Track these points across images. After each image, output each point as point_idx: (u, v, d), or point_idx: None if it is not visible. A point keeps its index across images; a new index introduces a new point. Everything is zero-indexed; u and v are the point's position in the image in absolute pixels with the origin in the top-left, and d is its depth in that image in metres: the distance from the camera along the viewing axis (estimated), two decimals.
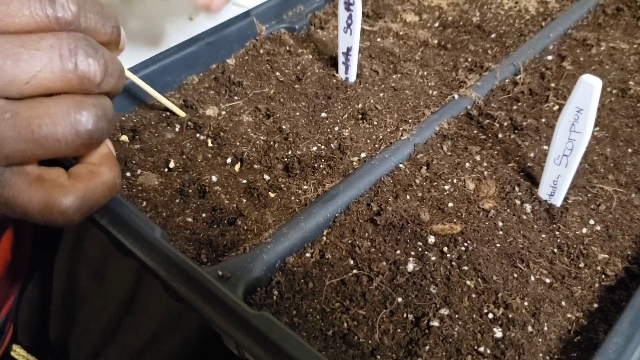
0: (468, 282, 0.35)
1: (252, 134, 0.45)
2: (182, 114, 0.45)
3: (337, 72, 0.51)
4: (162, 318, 0.66)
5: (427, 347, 0.31)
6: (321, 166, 0.42)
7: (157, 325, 0.65)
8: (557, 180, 0.39)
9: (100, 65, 0.28)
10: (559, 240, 0.38)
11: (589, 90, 0.34)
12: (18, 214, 0.29)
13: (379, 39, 0.57)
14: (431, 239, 0.37)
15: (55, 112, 0.27)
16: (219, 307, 0.31)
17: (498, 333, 0.32)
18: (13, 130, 0.26)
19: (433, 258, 0.36)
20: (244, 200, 0.40)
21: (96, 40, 0.29)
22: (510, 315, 0.33)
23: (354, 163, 0.42)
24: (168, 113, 0.47)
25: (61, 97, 0.27)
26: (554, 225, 0.38)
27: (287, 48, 0.54)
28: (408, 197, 0.40)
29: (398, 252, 0.36)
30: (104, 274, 0.69)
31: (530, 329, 0.33)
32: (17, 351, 0.62)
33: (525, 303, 0.34)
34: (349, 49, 0.48)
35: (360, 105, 0.47)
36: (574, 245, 0.37)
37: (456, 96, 0.47)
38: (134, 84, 0.45)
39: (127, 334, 0.66)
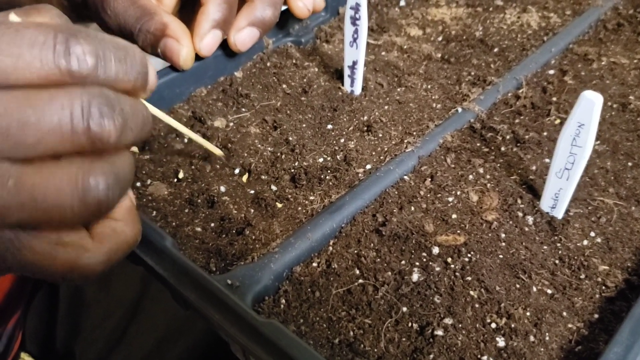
0: (471, 292, 0.35)
1: (259, 145, 0.46)
2: (219, 152, 0.44)
3: (342, 85, 0.52)
4: (166, 326, 0.66)
5: (431, 356, 0.32)
6: (327, 177, 0.43)
7: (162, 333, 0.66)
8: (558, 193, 0.39)
9: (117, 123, 0.25)
10: (560, 252, 0.38)
11: (590, 106, 0.34)
12: (36, 275, 0.28)
13: (383, 53, 0.58)
14: (435, 250, 0.38)
15: (61, 179, 0.25)
16: (229, 315, 0.32)
17: (501, 342, 0.33)
18: (16, 198, 0.24)
19: (437, 268, 0.36)
20: (252, 211, 0.41)
21: (119, 89, 0.26)
22: (512, 325, 0.34)
23: (360, 174, 0.43)
24: None
25: (69, 161, 0.25)
26: (556, 237, 0.39)
27: (294, 61, 0.56)
28: (412, 208, 0.41)
29: (403, 262, 0.37)
30: (109, 282, 0.70)
31: (532, 338, 0.33)
32: (25, 359, 0.62)
33: (528, 313, 0.35)
34: (354, 63, 0.49)
35: (365, 118, 0.48)
36: (575, 257, 0.38)
37: (459, 109, 0.48)
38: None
39: (132, 341, 0.67)
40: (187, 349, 0.65)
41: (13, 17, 0.27)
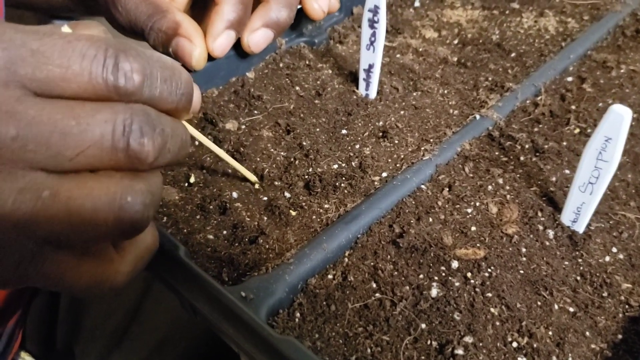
0: (492, 310, 0.34)
1: (272, 150, 0.45)
2: (254, 178, 0.42)
3: (357, 88, 0.51)
4: (168, 327, 0.66)
5: None
6: (342, 185, 0.42)
7: (163, 335, 0.65)
8: (580, 207, 0.38)
9: (156, 144, 0.25)
10: (582, 268, 0.37)
11: (619, 120, 0.33)
12: (58, 288, 0.27)
13: (398, 55, 0.56)
14: (454, 264, 0.37)
15: (98, 196, 0.24)
16: (243, 330, 0.31)
17: None
18: (50, 210, 0.23)
19: (457, 284, 0.35)
20: (265, 218, 0.40)
21: (161, 109, 0.26)
22: (534, 345, 0.33)
23: (376, 183, 0.42)
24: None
25: (107, 176, 0.25)
26: (577, 253, 0.38)
27: (307, 62, 0.54)
28: (430, 219, 0.39)
29: (421, 276, 0.36)
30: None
31: (554, 359, 0.32)
32: (25, 358, 0.62)
33: (550, 332, 0.34)
34: (370, 66, 0.48)
35: (381, 123, 0.47)
36: (597, 274, 0.37)
37: (477, 116, 0.47)
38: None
39: (132, 342, 0.66)
40: (189, 350, 0.65)
41: (65, 28, 0.27)
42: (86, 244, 0.27)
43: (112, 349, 0.66)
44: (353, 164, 0.44)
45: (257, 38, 0.48)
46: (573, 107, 0.50)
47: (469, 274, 0.36)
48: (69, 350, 0.68)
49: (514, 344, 0.33)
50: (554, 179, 0.43)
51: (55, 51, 0.23)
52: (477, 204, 0.41)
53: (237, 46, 0.50)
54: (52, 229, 0.24)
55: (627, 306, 0.36)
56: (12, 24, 0.25)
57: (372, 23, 0.45)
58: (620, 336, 0.34)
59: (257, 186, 0.42)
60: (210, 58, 0.48)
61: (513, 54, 0.57)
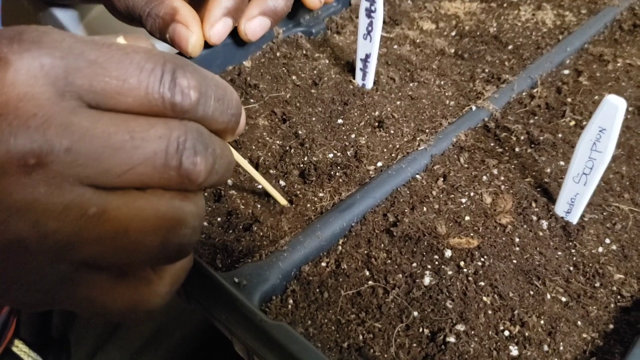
0: (484, 298, 0.34)
1: (268, 138, 0.45)
2: (285, 202, 0.40)
3: (354, 78, 0.51)
4: (163, 317, 0.66)
5: None
6: (337, 174, 0.42)
7: (158, 324, 0.65)
8: (574, 198, 0.38)
9: (208, 164, 0.24)
10: (574, 258, 0.37)
11: (613, 111, 0.33)
12: (91, 312, 0.25)
13: (395, 46, 0.56)
14: (448, 253, 0.37)
15: (147, 218, 0.23)
16: (236, 315, 0.31)
17: (514, 351, 0.32)
18: (94, 230, 0.22)
19: (450, 272, 0.36)
20: (259, 206, 0.40)
21: (212, 128, 0.25)
22: (526, 334, 0.33)
23: (370, 172, 0.42)
24: None
25: (157, 196, 0.23)
26: (570, 243, 0.38)
27: (304, 52, 0.54)
28: (425, 209, 0.40)
29: (414, 264, 0.36)
30: None
31: (546, 348, 0.33)
32: (19, 346, 0.61)
33: (542, 321, 0.34)
34: (367, 56, 0.48)
35: (377, 113, 0.47)
36: (590, 264, 0.37)
37: (474, 107, 0.47)
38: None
39: (127, 331, 0.66)
40: (185, 338, 0.65)
41: (121, 39, 0.27)
42: (126, 267, 0.25)
43: (107, 338, 0.66)
44: (348, 153, 0.44)
45: (254, 26, 0.48)
46: (569, 99, 0.50)
47: (462, 263, 0.36)
48: (64, 339, 0.68)
49: (506, 333, 0.33)
50: (548, 170, 0.43)
51: (113, 63, 0.23)
52: (472, 194, 0.41)
53: (234, 34, 0.50)
54: (94, 250, 0.22)
55: (619, 296, 0.36)
56: (70, 32, 0.24)
57: (370, 12, 0.45)
58: (611, 326, 0.34)
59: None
60: (207, 45, 0.47)
61: (510, 47, 0.57)
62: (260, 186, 0.40)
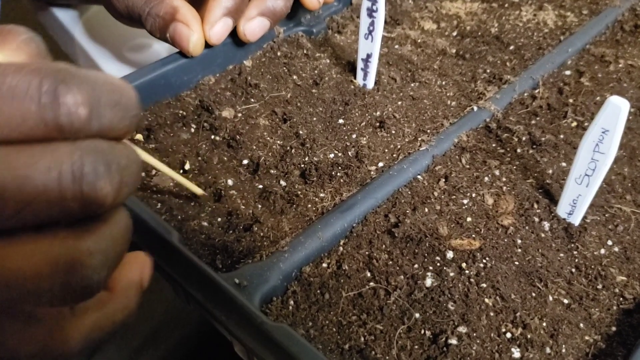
0: (486, 300, 0.34)
1: (268, 138, 0.45)
2: (201, 192, 0.39)
3: (355, 78, 0.51)
4: (162, 317, 0.65)
5: None
6: (338, 174, 0.41)
7: (157, 324, 0.65)
8: (577, 200, 0.38)
9: (114, 183, 0.21)
10: (577, 260, 0.37)
11: (616, 112, 0.33)
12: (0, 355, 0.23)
13: (396, 46, 0.56)
14: (449, 254, 0.36)
15: (39, 261, 0.21)
16: (236, 316, 0.31)
17: (516, 353, 0.32)
18: None
19: (451, 274, 0.35)
20: (260, 206, 0.40)
21: (111, 137, 0.22)
22: (528, 336, 0.33)
23: (372, 172, 0.42)
24: (184, 113, 0.46)
25: (51, 237, 0.21)
26: (572, 245, 0.38)
27: (305, 51, 0.54)
28: (426, 209, 0.39)
29: (416, 266, 0.36)
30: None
31: (548, 350, 0.32)
32: None
33: (544, 324, 0.34)
34: (368, 56, 0.48)
35: (378, 113, 0.47)
36: (592, 266, 0.37)
37: (475, 108, 0.47)
38: (149, 74, 0.45)
39: (125, 331, 0.65)
40: (183, 339, 0.64)
41: None
42: (32, 310, 0.23)
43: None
44: (349, 153, 0.43)
45: (253, 26, 0.48)
46: (571, 100, 0.50)
47: (463, 265, 0.36)
48: None
49: (508, 335, 0.33)
50: (550, 171, 0.43)
51: None
52: (473, 195, 0.41)
53: (235, 34, 0.49)
54: None
55: (621, 299, 0.36)
56: None
57: (371, 12, 0.45)
58: (614, 328, 0.34)
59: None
60: (208, 45, 0.47)
61: (511, 47, 0.56)
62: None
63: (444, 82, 0.51)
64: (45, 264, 0.21)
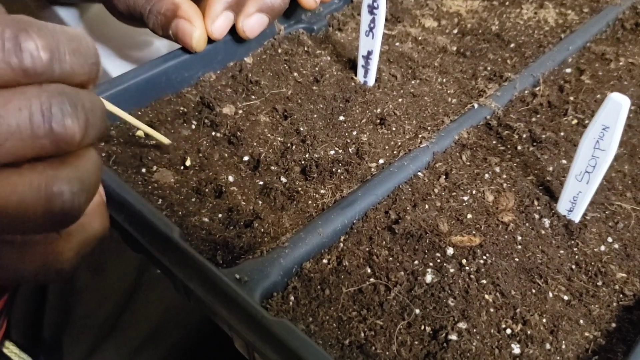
0: (486, 296, 0.34)
1: (269, 135, 0.45)
2: (167, 141, 0.42)
3: (355, 75, 0.51)
4: (161, 316, 0.65)
5: None
6: (339, 171, 0.41)
7: (156, 324, 0.65)
8: (577, 197, 0.38)
9: (81, 122, 0.23)
10: (577, 257, 0.37)
11: (616, 109, 0.33)
12: (8, 277, 0.27)
13: (397, 43, 0.56)
14: (450, 251, 0.36)
15: (23, 191, 0.23)
16: (237, 312, 0.31)
17: (516, 349, 0.32)
18: None
19: (452, 270, 0.35)
20: (260, 202, 0.40)
21: (75, 83, 0.24)
22: (528, 332, 0.33)
23: (372, 169, 0.42)
24: (185, 109, 0.47)
25: (31, 169, 0.23)
26: (572, 242, 0.38)
27: (305, 48, 0.54)
28: (427, 206, 0.39)
29: (416, 262, 0.36)
30: (103, 269, 0.68)
31: (548, 346, 0.32)
32: (10, 348, 0.61)
33: (544, 320, 0.34)
34: (369, 53, 0.48)
35: (378, 110, 0.47)
36: (592, 263, 0.37)
37: (476, 105, 0.47)
38: (150, 71, 0.45)
39: (124, 331, 0.65)
40: (181, 340, 0.64)
41: None
42: (23, 236, 0.26)
43: (104, 338, 0.65)
44: (350, 150, 0.43)
45: (251, 23, 0.48)
46: (571, 98, 0.50)
47: (464, 261, 0.36)
48: (56, 340, 0.67)
49: (508, 331, 0.33)
50: (550, 168, 0.43)
51: None
52: (474, 192, 0.41)
53: (235, 31, 0.49)
54: None
55: (621, 295, 0.36)
56: None
57: (372, 9, 0.45)
58: (614, 324, 0.34)
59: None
60: (209, 41, 0.47)
61: (512, 45, 0.57)
62: None
63: (444, 80, 0.51)
64: (28, 193, 0.23)
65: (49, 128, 0.22)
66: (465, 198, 0.40)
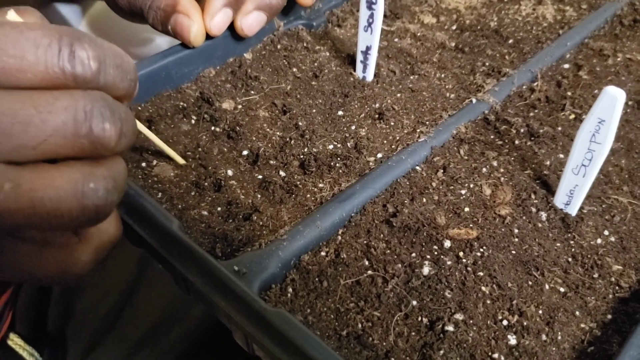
0: (483, 288, 0.35)
1: (268, 130, 0.45)
2: (182, 161, 0.42)
3: (354, 71, 0.51)
4: (162, 311, 0.65)
5: (441, 352, 0.31)
6: (337, 165, 0.42)
7: (157, 318, 0.65)
8: (574, 190, 0.38)
9: (117, 128, 0.25)
10: (573, 249, 0.38)
11: (612, 102, 0.34)
12: (25, 278, 0.27)
13: (396, 39, 0.56)
14: (447, 244, 0.37)
15: (60, 185, 0.24)
16: (235, 303, 0.31)
17: (512, 340, 0.32)
18: (13, 203, 0.23)
19: (449, 262, 0.36)
20: (259, 196, 0.40)
21: (113, 95, 0.26)
22: (524, 323, 0.33)
23: (370, 163, 0.42)
24: (184, 104, 0.47)
25: (68, 165, 0.25)
26: (569, 235, 0.38)
27: (305, 44, 0.54)
28: (424, 200, 0.40)
29: (413, 254, 0.36)
30: (105, 263, 0.68)
31: (544, 337, 0.33)
32: (15, 340, 0.61)
33: (540, 311, 0.34)
34: (368, 48, 0.48)
35: (377, 105, 0.47)
36: (589, 256, 0.37)
37: (474, 100, 0.47)
38: (150, 66, 0.45)
39: (125, 326, 0.65)
40: (183, 334, 0.64)
41: (12, 15, 0.27)
42: (49, 234, 0.27)
43: (105, 333, 0.66)
44: (348, 144, 0.44)
45: (250, 21, 0.48)
46: (569, 93, 0.50)
47: (461, 254, 0.36)
48: (60, 334, 0.68)
49: (504, 322, 0.33)
50: (548, 162, 0.43)
51: (9, 42, 0.23)
52: (471, 185, 0.41)
53: (234, 27, 0.50)
54: (15, 221, 0.24)
55: (617, 287, 0.36)
56: None
57: (370, 4, 0.45)
58: (609, 316, 0.34)
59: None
60: (208, 37, 0.48)
61: (510, 41, 0.57)
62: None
63: (443, 75, 0.51)
64: (65, 188, 0.24)
65: (89, 128, 0.24)
66: (463, 192, 0.40)
